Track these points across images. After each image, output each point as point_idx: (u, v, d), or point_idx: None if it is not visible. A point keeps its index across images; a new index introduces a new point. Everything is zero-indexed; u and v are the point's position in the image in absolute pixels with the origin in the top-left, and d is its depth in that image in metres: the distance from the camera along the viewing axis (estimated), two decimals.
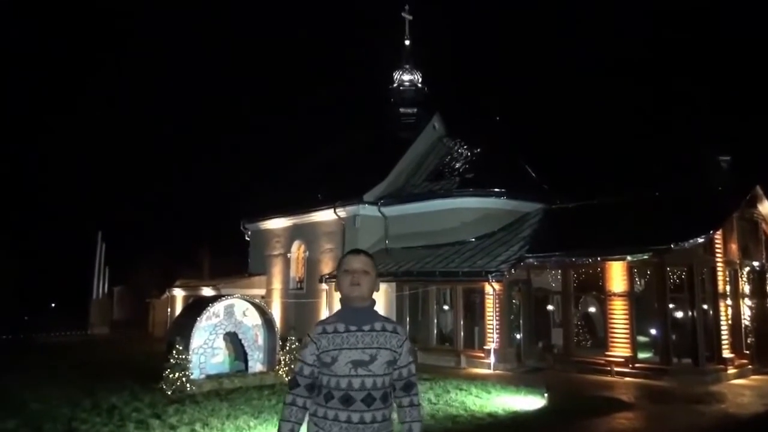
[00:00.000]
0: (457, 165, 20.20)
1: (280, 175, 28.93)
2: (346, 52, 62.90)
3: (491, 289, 15.05)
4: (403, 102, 25.18)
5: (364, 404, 2.79)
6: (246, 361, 12.50)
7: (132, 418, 8.81)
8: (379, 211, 20.11)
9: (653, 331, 14.44)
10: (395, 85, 25.80)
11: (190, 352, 11.35)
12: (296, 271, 22.76)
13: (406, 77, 25.69)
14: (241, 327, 12.45)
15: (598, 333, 15.67)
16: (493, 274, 14.77)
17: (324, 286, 19.92)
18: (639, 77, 47.12)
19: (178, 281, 26.11)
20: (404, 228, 19.55)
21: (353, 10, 65.91)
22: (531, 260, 15.40)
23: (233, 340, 12.54)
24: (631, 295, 13.97)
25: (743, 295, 15.05)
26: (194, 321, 11.70)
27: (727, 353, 13.62)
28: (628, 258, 13.74)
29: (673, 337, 13.54)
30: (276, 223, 23.75)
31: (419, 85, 25.75)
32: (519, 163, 21.23)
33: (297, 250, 22.75)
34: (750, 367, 14.19)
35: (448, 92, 43.10)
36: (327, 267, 20.34)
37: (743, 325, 14.70)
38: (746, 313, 15.01)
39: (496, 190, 18.37)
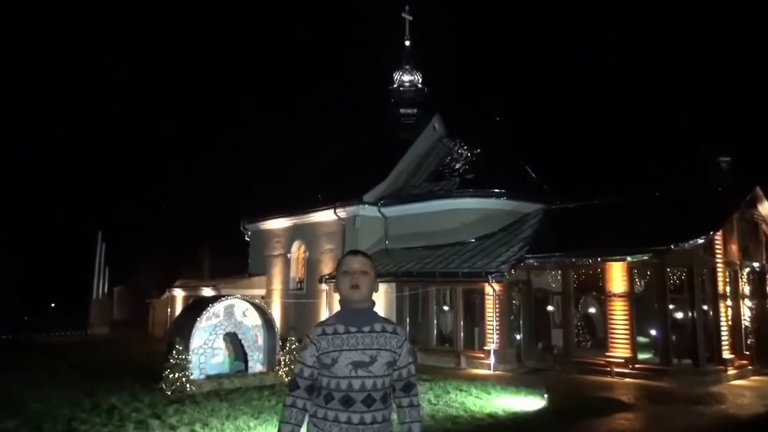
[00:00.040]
0: (457, 165, 20.20)
1: (280, 175, 28.97)
2: (346, 52, 62.96)
3: (491, 289, 15.05)
4: (403, 102, 25.17)
5: (364, 405, 2.80)
6: (246, 362, 12.50)
7: (132, 419, 8.83)
8: (379, 211, 20.10)
9: (653, 332, 14.44)
10: (395, 85, 25.78)
11: (190, 353, 11.36)
12: (296, 271, 22.75)
13: (406, 78, 25.68)
14: (241, 327, 12.45)
15: (598, 334, 15.65)
16: (493, 275, 14.78)
17: (324, 286, 19.92)
18: (639, 77, 47.14)
19: (178, 281, 26.10)
20: (404, 228, 19.54)
21: (353, 10, 65.97)
22: (531, 261, 15.40)
23: (233, 341, 12.54)
24: (631, 296, 13.97)
25: (743, 296, 15.04)
26: (194, 321, 11.70)
27: (727, 354, 13.62)
28: (628, 259, 13.74)
29: (673, 337, 13.54)
30: (276, 224, 23.75)
31: (419, 85, 25.73)
32: (519, 163, 21.22)
33: (297, 250, 22.75)
34: (750, 367, 14.17)
35: (448, 93, 43.15)
36: (327, 267, 20.33)
37: (743, 326, 14.68)
38: (746, 314, 14.99)
39: (496, 190, 18.36)
